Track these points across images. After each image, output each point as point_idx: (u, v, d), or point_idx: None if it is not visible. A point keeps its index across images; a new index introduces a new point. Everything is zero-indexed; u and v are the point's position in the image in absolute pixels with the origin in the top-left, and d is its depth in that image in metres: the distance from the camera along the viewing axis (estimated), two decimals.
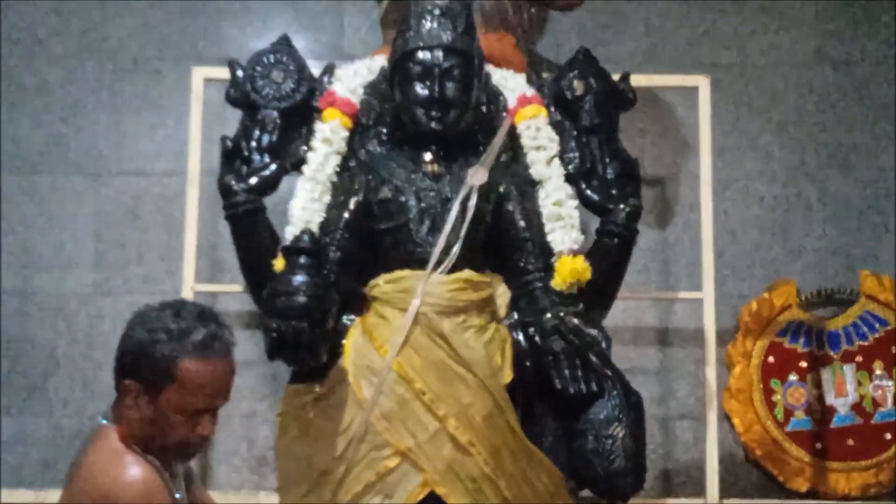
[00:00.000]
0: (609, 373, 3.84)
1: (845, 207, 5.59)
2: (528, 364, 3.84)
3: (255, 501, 4.64)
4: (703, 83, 4.72)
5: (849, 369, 5.45)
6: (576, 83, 4.11)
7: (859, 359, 5.45)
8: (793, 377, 5.44)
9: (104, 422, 3.24)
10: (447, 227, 3.87)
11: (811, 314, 5.48)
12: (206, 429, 3.20)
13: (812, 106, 5.66)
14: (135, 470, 3.12)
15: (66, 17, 5.71)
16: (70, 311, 5.53)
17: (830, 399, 5.43)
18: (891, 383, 5.42)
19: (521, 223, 3.99)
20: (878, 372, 5.44)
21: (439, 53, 3.95)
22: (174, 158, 5.28)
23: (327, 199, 3.97)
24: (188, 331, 3.17)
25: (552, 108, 4.12)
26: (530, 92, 4.14)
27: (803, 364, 5.45)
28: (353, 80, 4.15)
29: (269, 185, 3.99)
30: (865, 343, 5.47)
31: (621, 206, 3.98)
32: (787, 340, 5.46)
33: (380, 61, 4.15)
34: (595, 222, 4.04)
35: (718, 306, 4.68)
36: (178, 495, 3.23)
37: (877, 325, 5.46)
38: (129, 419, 3.19)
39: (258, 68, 4.10)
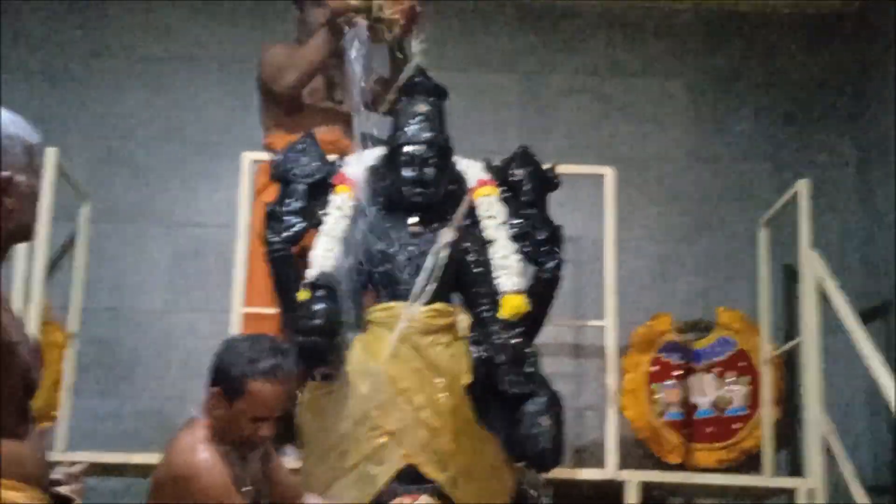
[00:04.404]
0: (538, 378, 3.86)
1: (709, 261, 5.64)
2: (481, 371, 3.85)
3: None
4: (608, 172, 4.74)
5: (709, 377, 5.48)
6: (518, 170, 4.13)
7: (716, 370, 5.49)
8: (669, 382, 5.48)
9: (196, 414, 3.25)
10: (424, 272, 3.90)
11: (682, 337, 5.52)
12: (265, 431, 3.20)
13: (686, 188, 5.71)
14: (203, 455, 3.12)
15: (153, 112, 5.74)
16: (148, 323, 5.53)
17: (695, 398, 5.47)
18: (738, 387, 5.45)
19: (477, 270, 3.99)
20: (729, 379, 5.47)
21: (421, 147, 3.98)
22: (228, 216, 5.25)
23: (338, 250, 3.97)
24: (259, 359, 3.18)
25: (501, 188, 4.13)
26: (485, 176, 4.14)
27: (677, 373, 5.49)
28: (358, 164, 4.15)
29: (297, 238, 4.00)
30: (721, 359, 5.51)
31: (549, 259, 4.02)
32: (664, 355, 5.50)
33: (378, 151, 4.15)
34: (531, 270, 4.06)
35: (616, 330, 4.68)
36: (245, 488, 3.21)
37: (729, 346, 5.49)
38: (212, 416, 3.19)
39: (291, 154, 4.12)
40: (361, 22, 4.26)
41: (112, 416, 5.36)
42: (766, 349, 5.18)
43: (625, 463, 4.67)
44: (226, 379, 3.19)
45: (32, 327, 4.53)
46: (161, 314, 5.54)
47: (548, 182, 4.17)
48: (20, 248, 4.51)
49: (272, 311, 4.42)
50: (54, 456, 2.90)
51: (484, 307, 3.94)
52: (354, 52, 4.21)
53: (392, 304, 3.91)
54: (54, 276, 5.28)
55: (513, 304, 3.88)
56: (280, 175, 4.09)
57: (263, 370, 3.17)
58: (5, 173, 2.25)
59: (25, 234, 2.34)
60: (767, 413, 5.15)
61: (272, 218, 4.01)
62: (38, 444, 2.34)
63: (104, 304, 5.47)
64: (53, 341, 5.24)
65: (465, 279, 4.00)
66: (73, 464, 2.62)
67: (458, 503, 3.70)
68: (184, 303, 5.56)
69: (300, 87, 4.61)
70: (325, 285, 3.77)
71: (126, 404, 5.39)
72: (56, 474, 2.48)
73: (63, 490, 2.47)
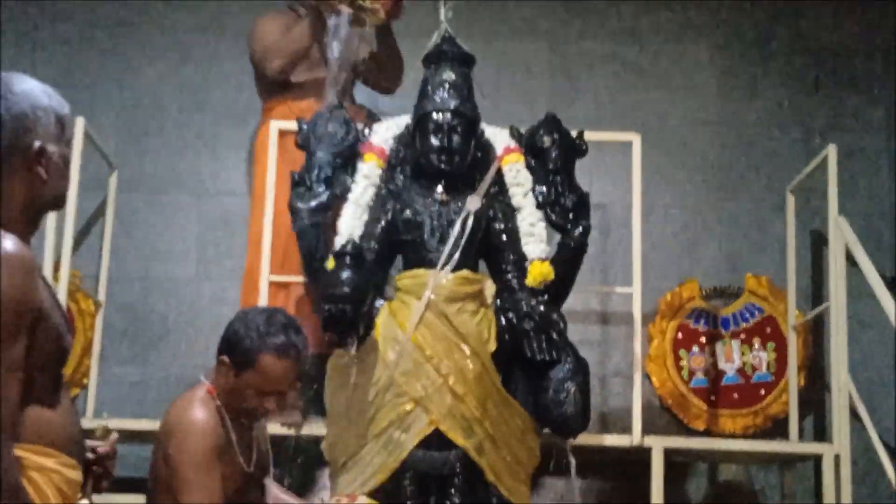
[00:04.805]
0: (565, 345, 3.88)
1: (735, 227, 5.60)
2: (507, 338, 3.87)
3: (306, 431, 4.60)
4: (635, 138, 4.71)
5: (735, 344, 5.46)
6: (545, 137, 4.12)
7: (743, 336, 5.46)
8: (695, 348, 5.46)
9: (203, 378, 3.28)
10: (451, 239, 3.92)
11: (709, 304, 5.51)
12: (270, 405, 3.23)
13: (712, 154, 5.67)
14: (199, 412, 3.16)
15: (180, 81, 5.75)
16: (178, 291, 5.55)
17: (722, 364, 5.45)
18: (764, 354, 5.43)
19: (504, 237, 4.02)
20: (756, 346, 5.45)
21: (448, 115, 3.99)
22: None
23: (365, 217, 4.00)
24: (272, 334, 3.20)
25: (528, 156, 4.14)
26: (512, 144, 4.15)
27: (703, 339, 5.47)
28: (385, 132, 4.16)
29: (325, 207, 4.00)
30: (747, 325, 5.47)
31: (576, 226, 4.02)
32: (691, 322, 5.48)
33: (405, 119, 4.16)
34: (557, 237, 4.07)
35: (643, 297, 4.67)
36: (240, 456, 3.24)
37: (756, 313, 5.47)
38: (218, 383, 3.23)
39: (318, 123, 4.12)
40: (344, 10, 4.38)
41: (140, 383, 5.39)
42: (793, 315, 5.18)
43: (650, 429, 4.69)
44: (236, 350, 3.21)
45: (62, 295, 4.57)
46: (189, 282, 5.53)
47: (575, 149, 4.16)
48: (49, 218, 4.56)
49: (299, 279, 4.46)
50: (84, 423, 2.93)
51: (510, 274, 3.96)
52: (336, 41, 4.35)
53: (419, 271, 3.93)
54: (83, 245, 5.33)
55: (539, 271, 3.90)
56: (306, 143, 4.11)
57: (275, 346, 3.19)
58: (38, 143, 2.28)
59: (57, 202, 2.38)
60: (794, 379, 5.15)
61: (299, 186, 4.02)
62: (70, 410, 2.38)
63: (133, 272, 5.49)
64: (83, 309, 5.30)
65: (492, 246, 4.02)
66: (106, 431, 2.65)
67: (483, 468, 3.74)
68: (212, 271, 5.55)
69: (286, 73, 4.81)
70: (352, 253, 3.78)
71: (154, 372, 5.41)
72: (88, 451, 2.51)
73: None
